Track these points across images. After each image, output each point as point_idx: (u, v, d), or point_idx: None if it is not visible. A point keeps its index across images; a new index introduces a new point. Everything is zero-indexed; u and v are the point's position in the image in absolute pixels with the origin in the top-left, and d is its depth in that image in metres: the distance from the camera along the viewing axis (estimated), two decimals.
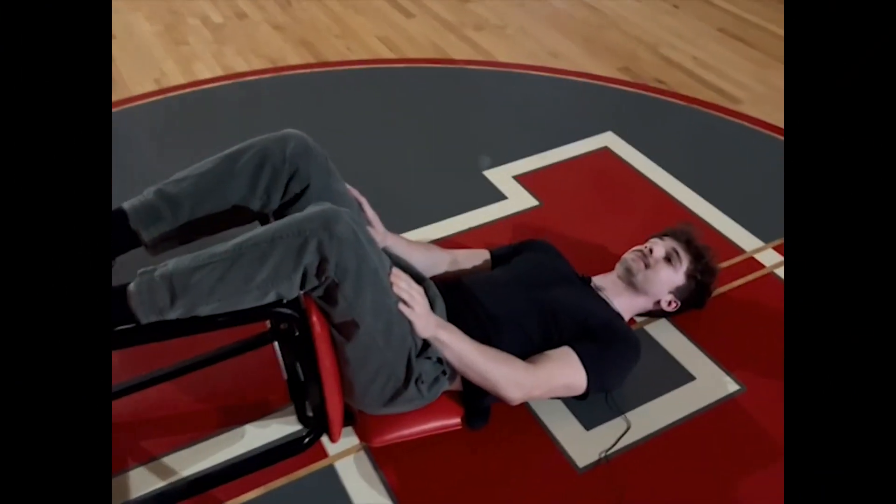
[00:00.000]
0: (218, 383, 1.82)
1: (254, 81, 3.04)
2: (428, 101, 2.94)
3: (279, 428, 1.74)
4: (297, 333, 1.39)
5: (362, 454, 1.69)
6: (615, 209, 2.40)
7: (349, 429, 1.71)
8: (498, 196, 2.45)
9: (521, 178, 2.52)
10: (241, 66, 3.12)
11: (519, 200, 2.43)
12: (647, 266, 1.87)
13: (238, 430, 1.74)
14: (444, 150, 2.67)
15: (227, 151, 1.54)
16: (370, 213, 1.75)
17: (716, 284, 1.98)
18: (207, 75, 3.06)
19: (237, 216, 1.54)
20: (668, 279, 1.88)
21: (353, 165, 2.55)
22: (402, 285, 1.43)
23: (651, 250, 1.90)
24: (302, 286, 1.34)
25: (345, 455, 1.69)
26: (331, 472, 1.66)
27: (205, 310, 1.31)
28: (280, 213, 1.57)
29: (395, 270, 1.45)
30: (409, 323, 1.46)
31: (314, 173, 1.53)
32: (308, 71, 3.12)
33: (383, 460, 1.67)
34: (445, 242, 2.25)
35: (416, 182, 2.51)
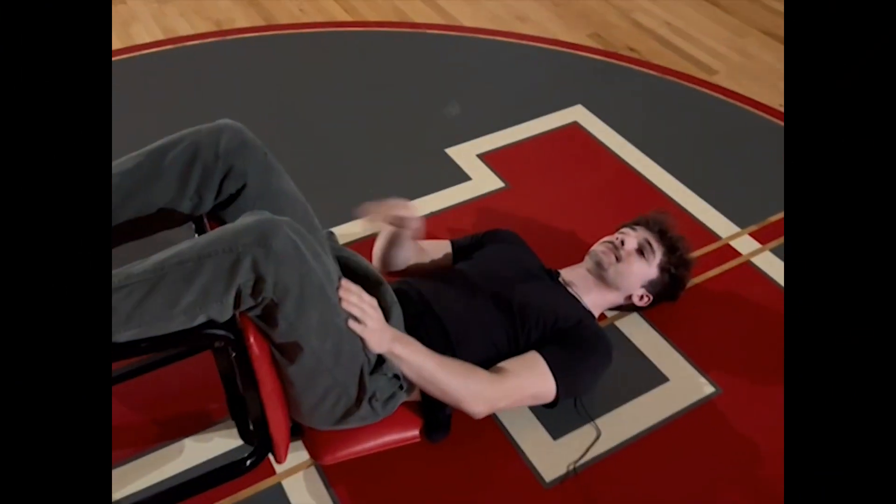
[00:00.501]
0: (154, 393, 1.66)
1: (198, 46, 2.81)
2: (386, 71, 2.74)
3: (222, 441, 1.59)
4: (233, 354, 1.23)
5: (312, 470, 1.56)
6: (585, 191, 2.26)
7: (299, 441, 1.57)
8: (461, 177, 2.29)
9: (487, 157, 2.36)
10: (185, 29, 2.89)
11: (484, 181, 2.28)
12: (618, 259, 1.75)
13: (176, 445, 1.59)
14: (403, 124, 2.50)
15: (152, 146, 1.36)
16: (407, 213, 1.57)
17: (690, 277, 1.87)
18: (146, 39, 2.82)
19: (166, 219, 1.37)
20: (640, 273, 1.77)
21: (302, 141, 2.38)
22: (352, 300, 1.28)
23: (622, 242, 1.77)
24: (236, 306, 1.19)
25: (294, 472, 1.55)
26: (278, 492, 1.53)
27: (122, 336, 1.15)
28: (214, 215, 1.40)
29: (345, 283, 1.30)
30: (362, 339, 1.31)
31: (251, 171, 1.36)
32: (257, 35, 2.89)
33: (335, 478, 1.55)
34: None
35: (371, 160, 2.34)
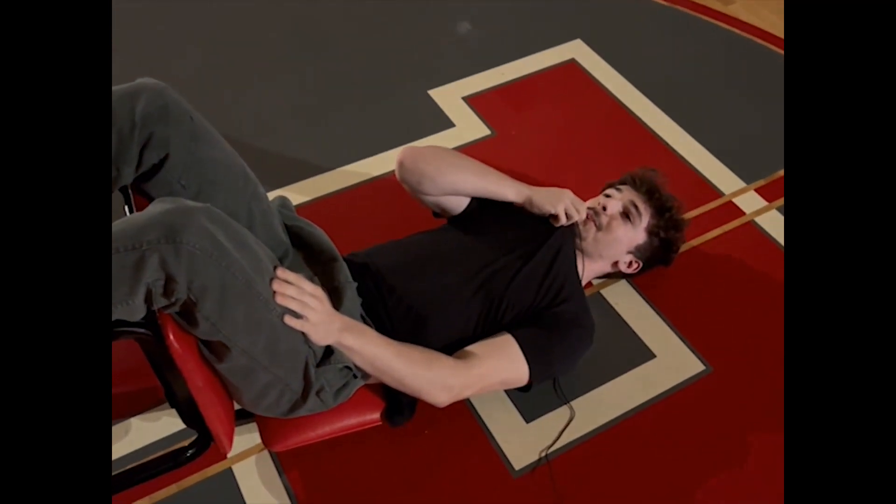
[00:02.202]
0: None
1: None
2: (364, 2, 2.51)
3: (171, 421, 1.49)
4: (154, 349, 1.11)
5: (265, 455, 1.46)
6: (579, 141, 2.08)
7: (253, 423, 1.47)
8: (445, 123, 2.11)
9: (473, 101, 2.17)
10: None
11: (468, 128, 2.09)
12: (598, 228, 1.58)
13: (122, 425, 1.50)
14: (383, 59, 2.29)
15: None
16: None
17: (683, 239, 1.71)
18: None
19: None
20: (625, 237, 1.60)
21: (274, 86, 2.19)
22: (290, 292, 1.14)
23: (604, 207, 1.60)
24: (149, 305, 1.05)
25: (245, 457, 1.46)
26: (228, 477, 1.44)
27: None
28: (138, 187, 1.24)
29: (281, 274, 1.15)
30: (304, 333, 1.18)
31: (174, 139, 1.20)
32: None
33: (289, 463, 1.45)
34: (377, 183, 1.94)
35: (348, 105, 2.15)
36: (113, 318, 1.04)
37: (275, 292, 1.13)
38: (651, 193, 1.63)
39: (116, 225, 1.02)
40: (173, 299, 1.03)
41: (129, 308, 1.03)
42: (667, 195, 1.65)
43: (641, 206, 1.61)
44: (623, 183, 1.67)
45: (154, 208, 1.04)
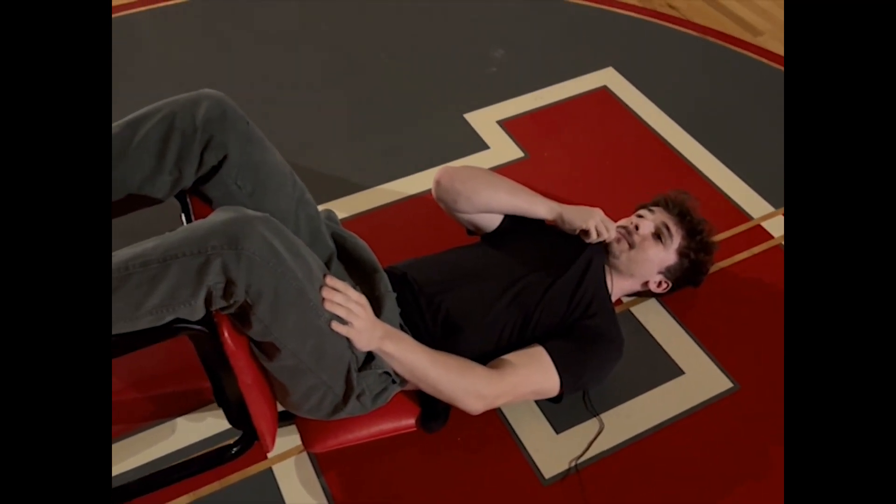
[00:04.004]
0: (148, 369, 1.63)
1: (179, 6, 2.69)
2: (408, 28, 2.61)
3: (215, 422, 1.56)
4: (209, 347, 1.18)
5: (304, 456, 1.52)
6: (610, 164, 2.13)
7: (293, 425, 1.53)
8: (480, 145, 2.18)
9: (507, 124, 2.24)
10: None
11: (502, 150, 2.16)
12: (630, 246, 1.63)
13: (169, 424, 1.56)
14: (422, 85, 2.38)
15: (128, 118, 1.29)
16: None
17: (713, 262, 1.75)
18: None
19: (145, 196, 1.30)
20: (656, 258, 1.65)
21: (314, 104, 2.29)
22: (337, 299, 1.20)
23: (637, 227, 1.65)
24: (208, 306, 1.12)
25: (285, 457, 1.52)
26: (268, 477, 1.49)
27: None
28: (197, 190, 1.32)
29: (330, 281, 1.22)
30: (348, 339, 1.24)
31: (232, 141, 1.28)
32: None
33: (327, 465, 1.50)
34: (414, 201, 2.01)
35: (386, 125, 2.24)
36: (175, 317, 1.12)
37: (323, 299, 1.20)
38: (683, 216, 1.67)
39: (179, 232, 1.10)
40: (231, 301, 1.10)
41: (190, 308, 1.10)
42: (698, 218, 1.69)
43: (673, 228, 1.65)
44: (656, 204, 1.71)
45: (217, 217, 1.12)
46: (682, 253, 1.66)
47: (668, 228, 1.65)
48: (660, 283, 1.69)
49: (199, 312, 1.13)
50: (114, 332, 1.11)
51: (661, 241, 1.64)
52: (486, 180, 1.65)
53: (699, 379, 1.66)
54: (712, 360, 1.69)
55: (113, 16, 2.59)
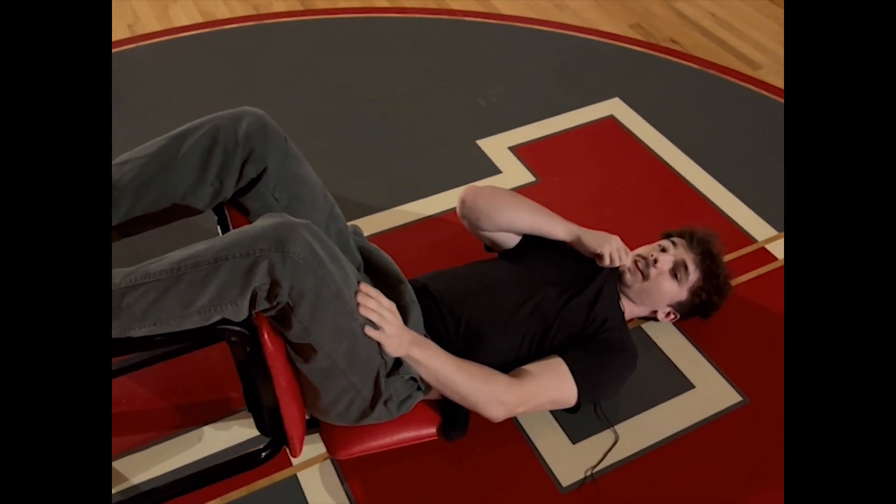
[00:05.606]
0: (176, 379, 1.68)
1: (235, 30, 2.81)
2: (422, 58, 2.71)
3: (241, 431, 1.60)
4: (248, 349, 1.23)
5: (328, 464, 1.56)
6: (617, 189, 2.21)
7: (316, 434, 1.57)
8: (492, 169, 2.26)
9: (518, 150, 2.32)
10: (222, 12, 2.89)
11: (514, 175, 2.24)
12: (645, 278, 1.67)
13: (196, 432, 1.61)
14: (436, 112, 2.47)
15: (174, 132, 1.36)
16: None
17: (724, 303, 1.75)
18: (185, 21, 2.83)
19: (186, 206, 1.37)
20: (669, 293, 1.68)
21: (335, 126, 2.37)
22: (371, 305, 1.27)
23: (656, 261, 1.67)
24: (252, 307, 1.18)
25: (309, 465, 1.56)
26: (293, 484, 1.53)
27: (138, 332, 1.16)
28: (235, 202, 1.39)
29: (364, 288, 1.28)
30: (379, 344, 1.30)
31: (272, 155, 1.36)
32: (294, 19, 2.88)
33: (350, 472, 1.55)
34: (431, 222, 2.08)
35: (402, 149, 2.32)
36: (219, 318, 1.17)
37: (358, 304, 1.26)
38: (704, 256, 1.68)
39: (229, 236, 1.17)
40: (275, 303, 1.16)
41: (236, 308, 1.16)
42: (719, 262, 1.70)
43: (691, 267, 1.67)
44: (681, 237, 1.72)
45: (263, 222, 1.18)
46: (694, 292, 1.69)
47: (685, 267, 1.66)
48: (668, 314, 1.73)
49: (243, 313, 1.18)
50: (163, 330, 1.17)
51: (677, 278, 1.67)
52: (508, 200, 1.72)
53: (709, 393, 1.71)
54: (721, 374, 1.74)
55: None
